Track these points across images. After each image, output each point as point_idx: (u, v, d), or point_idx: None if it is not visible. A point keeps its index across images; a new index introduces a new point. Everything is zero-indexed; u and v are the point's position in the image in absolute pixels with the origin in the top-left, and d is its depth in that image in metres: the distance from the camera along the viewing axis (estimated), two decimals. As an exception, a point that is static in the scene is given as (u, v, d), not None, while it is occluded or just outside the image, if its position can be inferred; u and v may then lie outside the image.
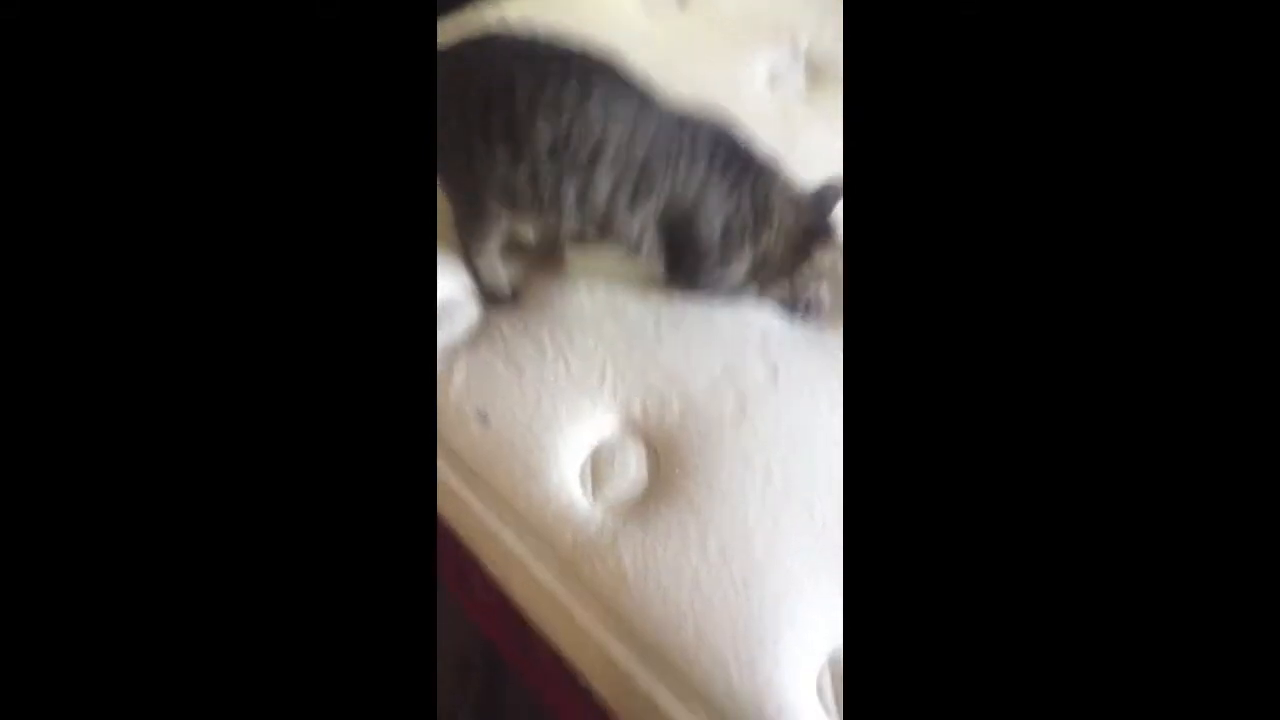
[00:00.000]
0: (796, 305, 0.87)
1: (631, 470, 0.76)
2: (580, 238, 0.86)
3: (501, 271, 0.89)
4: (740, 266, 0.85)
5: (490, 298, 0.89)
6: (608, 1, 1.28)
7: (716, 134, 0.83)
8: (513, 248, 0.90)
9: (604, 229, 0.82)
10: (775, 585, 0.68)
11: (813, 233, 0.83)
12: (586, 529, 0.72)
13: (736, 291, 0.87)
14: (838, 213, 0.84)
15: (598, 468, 0.76)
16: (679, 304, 0.87)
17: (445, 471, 0.79)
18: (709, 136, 0.82)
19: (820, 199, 0.85)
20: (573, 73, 0.78)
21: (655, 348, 0.83)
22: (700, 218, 0.81)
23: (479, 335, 0.86)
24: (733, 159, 0.82)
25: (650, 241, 0.83)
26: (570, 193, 0.79)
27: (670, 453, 0.76)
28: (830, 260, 0.84)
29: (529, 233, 0.89)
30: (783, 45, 1.19)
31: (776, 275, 0.86)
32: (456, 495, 0.78)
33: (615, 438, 0.78)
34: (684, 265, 0.84)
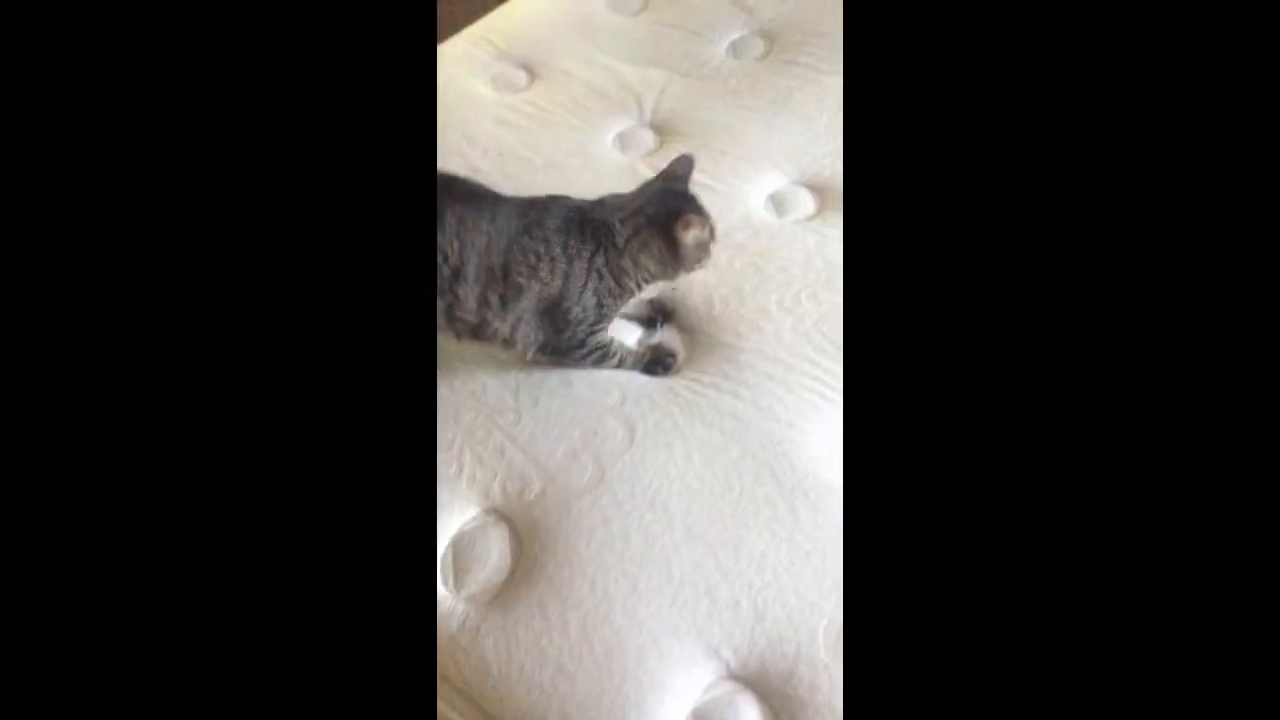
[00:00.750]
0: (655, 365, 0.89)
1: (493, 557, 0.75)
2: (456, 338, 0.86)
3: None
4: (609, 325, 0.87)
5: None
6: (462, 82, 1.31)
7: (562, 218, 0.84)
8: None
9: (477, 332, 0.84)
10: (636, 650, 0.67)
11: (670, 218, 0.82)
12: (448, 625, 0.71)
13: (605, 355, 0.88)
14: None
15: (459, 558, 0.75)
16: (538, 376, 0.88)
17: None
18: (556, 225, 0.83)
19: (672, 173, 0.88)
20: None
21: (514, 427, 0.83)
22: (570, 300, 0.83)
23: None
24: (584, 238, 0.83)
25: (523, 332, 0.84)
26: (440, 310, 0.81)
27: (531, 531, 0.76)
28: (694, 238, 0.83)
29: None
30: (630, 111, 1.23)
31: (662, 282, 0.87)
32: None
33: (476, 525, 0.78)
34: (560, 343, 0.85)
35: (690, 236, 0.83)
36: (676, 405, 0.84)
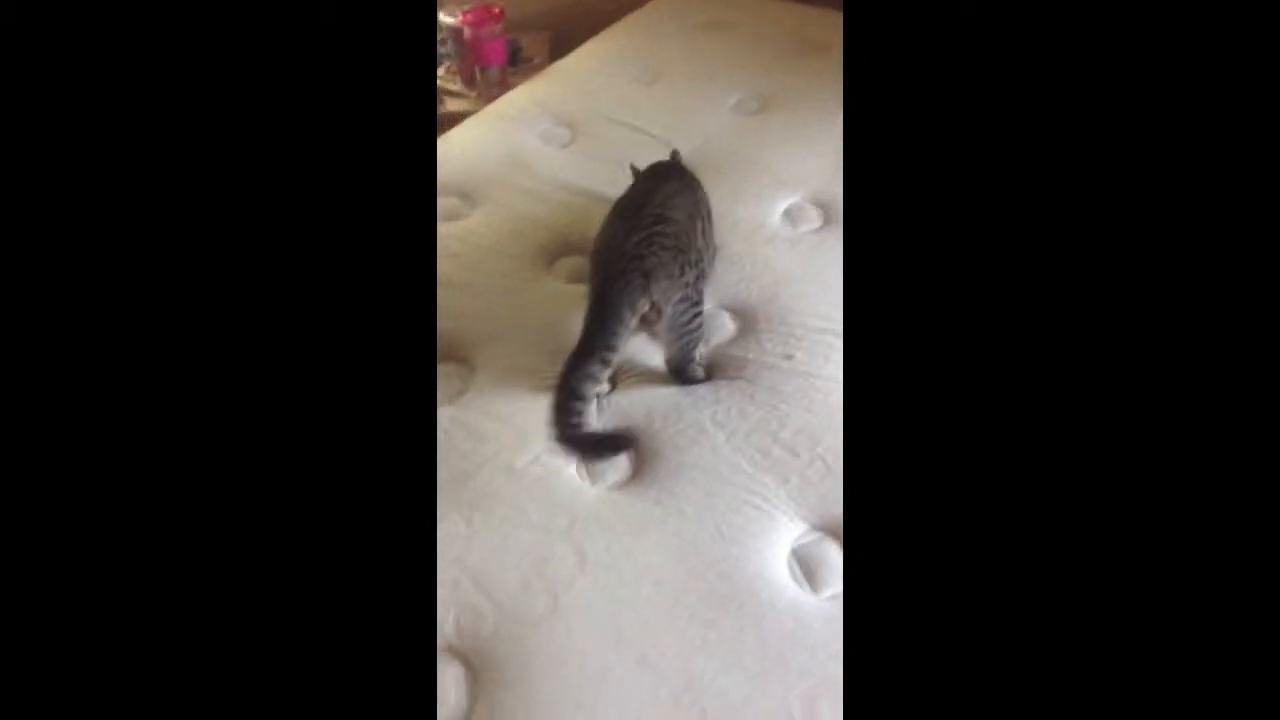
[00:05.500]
0: None
1: (450, 699, 0.71)
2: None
3: None
4: None
5: None
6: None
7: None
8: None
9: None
10: (599, 792, 0.64)
11: None
12: (405, 780, 0.66)
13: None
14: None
15: (415, 704, 0.71)
16: (490, 499, 0.86)
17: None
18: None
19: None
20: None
21: (466, 553, 0.81)
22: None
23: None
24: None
25: None
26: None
27: (488, 670, 0.72)
28: None
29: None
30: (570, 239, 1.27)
31: None
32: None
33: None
34: None
35: None
36: (625, 526, 0.84)
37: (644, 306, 0.90)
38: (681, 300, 0.93)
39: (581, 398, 0.87)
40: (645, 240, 0.92)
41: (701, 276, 0.97)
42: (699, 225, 1.01)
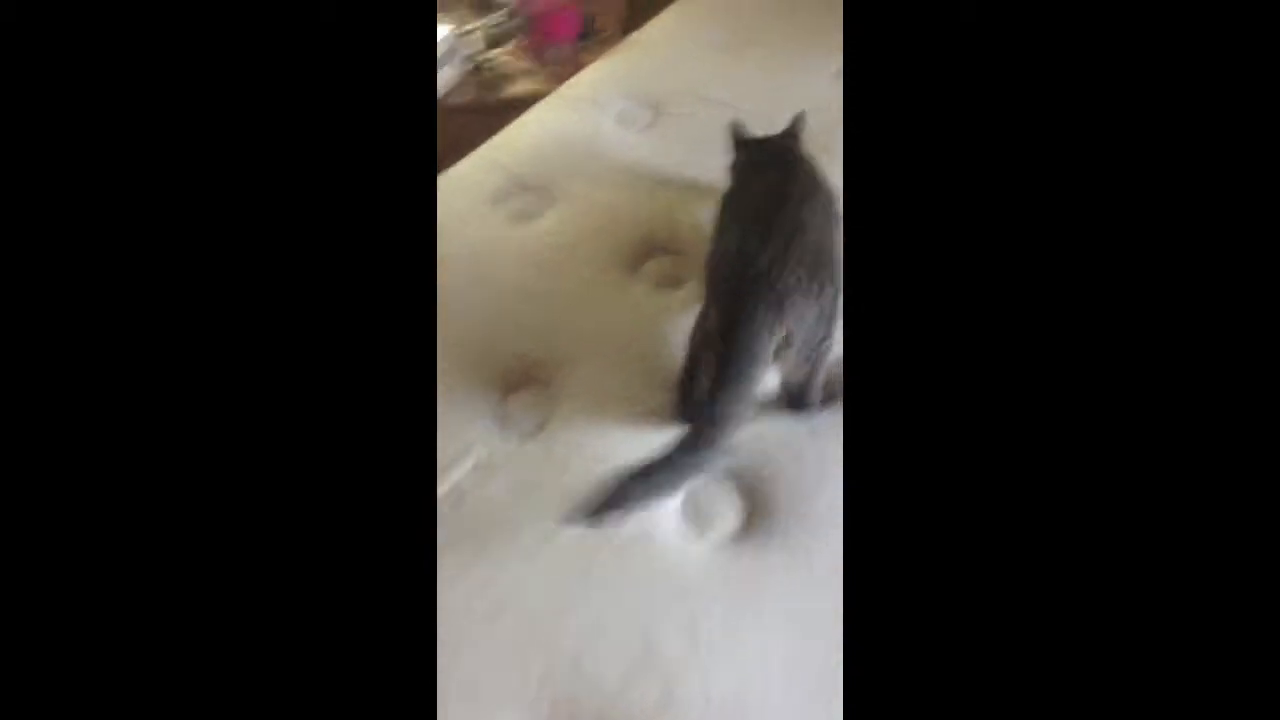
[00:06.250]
0: None
1: (549, 817, 0.60)
2: None
3: None
4: None
5: None
6: (475, 212, 1.20)
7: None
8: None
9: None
10: None
11: None
12: None
13: None
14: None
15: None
16: (582, 562, 0.74)
17: None
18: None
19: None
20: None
21: (556, 634, 0.69)
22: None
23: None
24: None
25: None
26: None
27: (592, 779, 0.61)
28: None
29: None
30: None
31: None
32: None
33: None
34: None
35: None
36: (742, 590, 0.71)
37: (780, 333, 0.75)
38: (816, 318, 0.77)
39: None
40: (780, 256, 0.76)
41: (839, 291, 0.80)
42: (835, 230, 0.84)
